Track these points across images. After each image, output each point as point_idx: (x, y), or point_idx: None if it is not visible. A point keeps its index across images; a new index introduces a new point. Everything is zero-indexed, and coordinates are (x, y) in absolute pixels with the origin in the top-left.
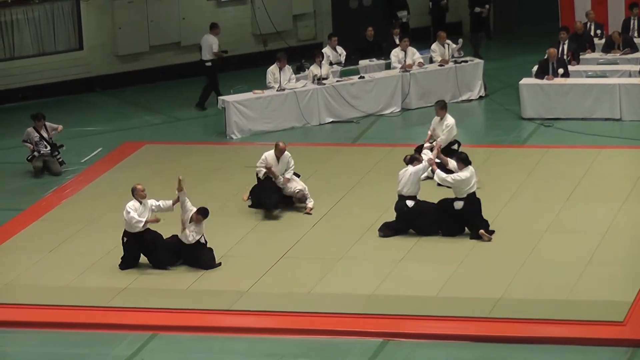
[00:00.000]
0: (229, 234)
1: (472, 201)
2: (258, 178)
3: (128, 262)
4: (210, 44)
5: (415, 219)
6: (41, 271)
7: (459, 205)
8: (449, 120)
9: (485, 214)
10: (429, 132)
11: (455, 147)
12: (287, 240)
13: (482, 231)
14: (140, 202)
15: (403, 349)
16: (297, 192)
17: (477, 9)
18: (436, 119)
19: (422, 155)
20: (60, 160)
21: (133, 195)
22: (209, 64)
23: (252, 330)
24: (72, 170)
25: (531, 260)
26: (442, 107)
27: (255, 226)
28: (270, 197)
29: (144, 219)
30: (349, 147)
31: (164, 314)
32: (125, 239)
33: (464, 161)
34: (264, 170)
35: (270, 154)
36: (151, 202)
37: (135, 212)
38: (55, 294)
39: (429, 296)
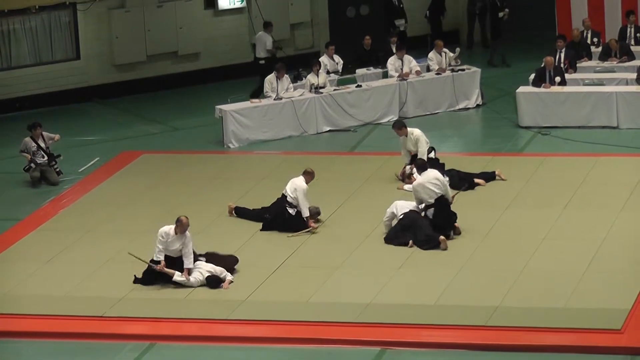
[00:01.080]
0: (226, 243)
1: (442, 206)
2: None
3: (145, 280)
4: (264, 42)
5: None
6: (39, 281)
7: (430, 212)
8: (415, 132)
9: (483, 221)
10: (405, 156)
11: (432, 155)
12: (284, 249)
13: (442, 237)
14: (176, 233)
15: (401, 357)
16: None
17: (500, 14)
18: (402, 139)
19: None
20: (58, 170)
21: (176, 225)
22: (263, 61)
23: (250, 339)
24: (69, 180)
25: (529, 268)
26: (399, 128)
27: (252, 235)
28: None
29: (162, 258)
30: (347, 156)
31: (162, 324)
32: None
33: (419, 167)
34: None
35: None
36: (189, 240)
37: (162, 241)
38: (53, 303)
39: (427, 305)
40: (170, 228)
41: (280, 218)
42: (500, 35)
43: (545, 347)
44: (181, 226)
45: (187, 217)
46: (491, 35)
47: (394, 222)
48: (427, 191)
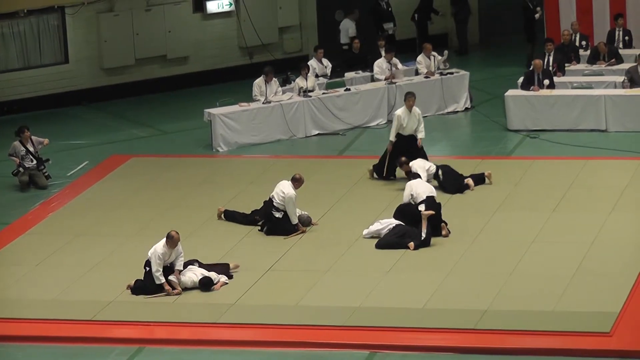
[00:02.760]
0: (216, 247)
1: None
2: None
3: (141, 290)
4: (347, 28)
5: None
6: (27, 285)
7: (422, 207)
8: (419, 110)
9: (472, 225)
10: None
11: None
12: (274, 253)
13: (442, 224)
14: (168, 247)
15: None
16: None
17: (536, 15)
18: (402, 112)
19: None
20: (46, 174)
21: (167, 240)
22: (346, 47)
23: (239, 342)
24: (58, 183)
25: (518, 271)
26: (411, 97)
27: (242, 239)
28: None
29: (163, 280)
30: (335, 159)
31: (150, 327)
32: (147, 269)
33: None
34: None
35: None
36: (181, 253)
37: (159, 261)
38: (42, 307)
39: (416, 308)
40: (163, 246)
41: (267, 222)
42: (536, 35)
43: (534, 350)
44: (172, 242)
45: (177, 232)
46: (527, 38)
47: (384, 231)
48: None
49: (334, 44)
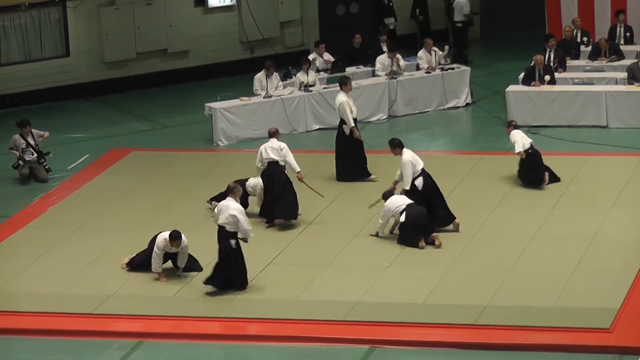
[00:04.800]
0: (215, 241)
1: (427, 176)
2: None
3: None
4: (462, 7)
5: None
6: (28, 278)
7: (419, 182)
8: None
9: (473, 220)
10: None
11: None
12: (274, 247)
13: (456, 221)
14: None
15: (390, 356)
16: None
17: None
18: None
19: None
20: (47, 167)
21: (170, 240)
22: (459, 24)
23: (239, 337)
24: (58, 177)
25: (518, 267)
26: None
27: None
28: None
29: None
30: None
31: (150, 321)
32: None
33: (399, 145)
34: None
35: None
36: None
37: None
38: (42, 300)
39: (416, 303)
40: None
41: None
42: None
43: (534, 346)
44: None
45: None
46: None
47: (391, 220)
48: (412, 168)
49: (335, 38)
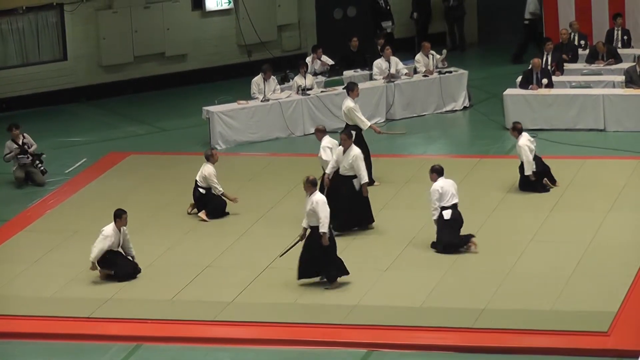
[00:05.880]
0: (214, 244)
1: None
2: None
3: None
4: (530, 3)
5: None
6: (25, 282)
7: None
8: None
9: (470, 224)
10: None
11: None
12: (272, 251)
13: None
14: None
15: (387, 359)
16: None
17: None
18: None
19: None
20: (42, 168)
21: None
22: (527, 22)
23: (236, 340)
24: (56, 180)
25: (516, 270)
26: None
27: (240, 236)
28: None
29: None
30: None
31: (148, 325)
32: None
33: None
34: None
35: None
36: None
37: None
38: (40, 304)
39: (413, 306)
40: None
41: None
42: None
43: (532, 349)
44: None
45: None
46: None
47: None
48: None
49: (332, 42)
